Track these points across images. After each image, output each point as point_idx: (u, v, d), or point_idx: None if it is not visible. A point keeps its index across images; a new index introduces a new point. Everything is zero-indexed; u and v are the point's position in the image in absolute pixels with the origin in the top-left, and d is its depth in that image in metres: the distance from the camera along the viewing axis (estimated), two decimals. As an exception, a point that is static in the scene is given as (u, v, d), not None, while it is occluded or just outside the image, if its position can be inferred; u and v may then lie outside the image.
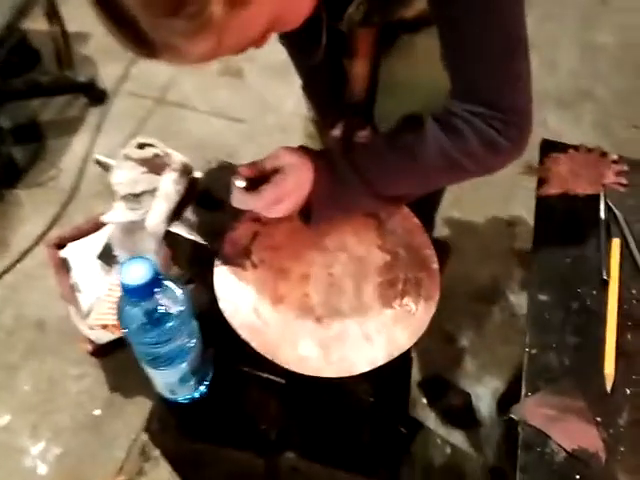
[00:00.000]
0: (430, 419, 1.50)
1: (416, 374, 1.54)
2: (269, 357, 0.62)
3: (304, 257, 0.68)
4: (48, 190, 1.89)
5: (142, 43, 0.47)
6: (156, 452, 1.39)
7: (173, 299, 0.60)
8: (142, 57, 0.50)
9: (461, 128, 0.61)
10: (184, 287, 0.63)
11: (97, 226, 1.55)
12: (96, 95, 2.13)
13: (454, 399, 1.54)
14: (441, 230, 1.81)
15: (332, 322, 0.64)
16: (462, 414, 1.52)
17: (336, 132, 0.88)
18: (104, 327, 1.31)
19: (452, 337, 1.64)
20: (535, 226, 0.79)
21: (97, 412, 1.45)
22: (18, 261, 1.70)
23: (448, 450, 1.46)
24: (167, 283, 0.59)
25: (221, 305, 0.64)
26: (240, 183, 0.62)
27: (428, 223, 1.09)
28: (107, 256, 1.48)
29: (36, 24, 2.07)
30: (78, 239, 1.53)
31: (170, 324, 0.60)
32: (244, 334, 0.63)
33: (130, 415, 1.45)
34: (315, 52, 0.76)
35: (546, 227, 0.79)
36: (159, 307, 0.58)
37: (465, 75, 0.60)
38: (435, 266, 0.68)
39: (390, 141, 0.65)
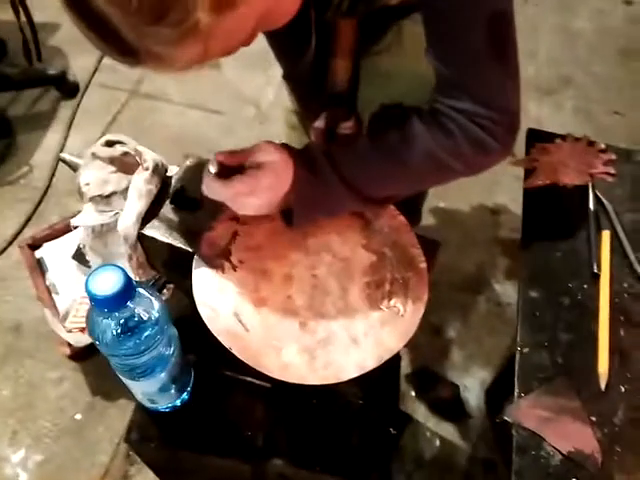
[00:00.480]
0: (419, 412, 1.49)
1: (404, 367, 1.53)
2: (251, 364, 0.59)
3: (286, 258, 0.65)
4: (20, 188, 1.82)
5: (126, 52, 0.44)
6: (140, 456, 1.36)
7: (148, 307, 0.56)
8: (126, 65, 0.47)
9: (447, 126, 0.59)
10: (159, 293, 0.59)
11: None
12: (67, 88, 2.06)
13: (442, 391, 1.54)
14: (425, 220, 1.79)
15: (317, 326, 0.61)
16: (451, 406, 1.51)
17: (319, 124, 0.85)
18: (82, 330, 1.26)
19: (438, 329, 1.63)
20: (523, 219, 0.77)
21: (78, 416, 1.41)
22: (-10, 263, 1.64)
23: (438, 442, 1.45)
24: (141, 290, 0.55)
25: (200, 310, 0.61)
26: (212, 169, 0.59)
27: (415, 215, 1.06)
28: (82, 256, 1.43)
29: (1, 14, 1.99)
30: (53, 239, 1.48)
31: (146, 333, 0.56)
32: (224, 340, 0.60)
33: (112, 418, 1.41)
34: (305, 51, 0.74)
35: (534, 220, 0.77)
36: (133, 316, 0.55)
37: (451, 70, 0.58)
38: (423, 265, 0.65)
39: (374, 143, 0.62)
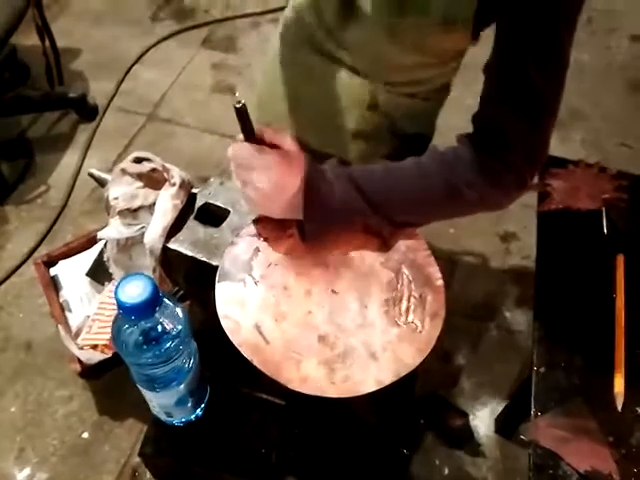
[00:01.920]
0: (428, 439, 1.47)
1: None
2: (271, 376, 0.60)
3: (307, 274, 0.66)
4: (37, 207, 1.86)
5: None
6: (147, 476, 1.34)
7: (172, 318, 0.58)
8: None
9: (470, 161, 0.61)
10: (183, 305, 0.60)
11: (87, 244, 1.52)
12: (86, 111, 2.11)
13: (452, 418, 1.52)
14: (436, 246, 1.81)
15: (336, 340, 0.62)
16: (460, 434, 1.49)
17: None
18: (94, 347, 1.27)
19: (449, 355, 1.63)
20: (537, 242, 0.78)
21: (85, 435, 1.41)
22: (5, 279, 1.66)
23: (446, 471, 1.43)
24: (167, 301, 0.57)
25: (222, 322, 0.62)
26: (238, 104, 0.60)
27: None
28: (97, 273, 1.45)
29: (26, 39, 2.06)
30: (68, 257, 1.50)
31: (169, 344, 0.58)
32: (245, 352, 0.61)
33: (119, 438, 1.40)
34: None
35: (549, 243, 0.79)
36: (158, 327, 0.56)
37: (503, 107, 0.59)
38: (440, 282, 0.66)
39: (389, 165, 0.65)
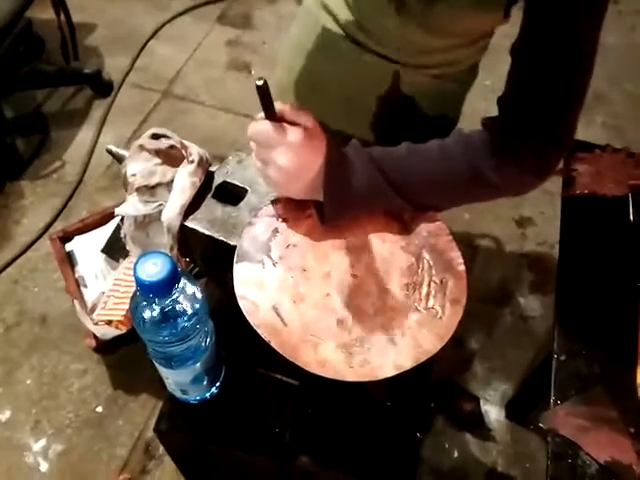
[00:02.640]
0: (438, 422, 1.48)
1: (424, 376, 1.52)
2: (288, 358, 0.59)
3: (326, 256, 0.66)
4: (52, 182, 1.86)
5: None
6: (160, 451, 1.37)
7: (190, 297, 0.57)
8: None
9: (495, 145, 0.59)
10: (200, 284, 0.60)
11: (102, 220, 1.52)
12: (101, 87, 2.10)
13: (463, 402, 1.52)
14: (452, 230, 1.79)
15: (355, 324, 0.62)
16: (471, 418, 1.49)
17: None
18: (109, 323, 1.28)
19: (461, 340, 1.62)
20: (561, 228, 0.76)
21: (99, 409, 1.43)
22: (21, 254, 1.68)
23: (456, 454, 1.43)
24: (185, 280, 0.56)
25: (240, 303, 0.61)
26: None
27: None
28: (112, 250, 1.46)
29: (41, 13, 2.04)
30: (83, 233, 1.51)
31: (186, 323, 0.57)
32: (263, 333, 0.60)
33: (133, 412, 1.42)
34: None
35: (573, 229, 0.77)
36: (176, 305, 0.55)
37: (533, 81, 0.58)
38: (462, 268, 0.65)
39: (411, 146, 0.63)
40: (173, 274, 0.51)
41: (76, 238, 1.50)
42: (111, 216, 1.50)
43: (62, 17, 1.89)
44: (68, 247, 1.50)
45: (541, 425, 0.58)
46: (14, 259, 1.66)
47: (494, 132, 0.61)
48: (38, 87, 2.08)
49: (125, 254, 1.41)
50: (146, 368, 1.06)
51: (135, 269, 0.52)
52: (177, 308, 0.56)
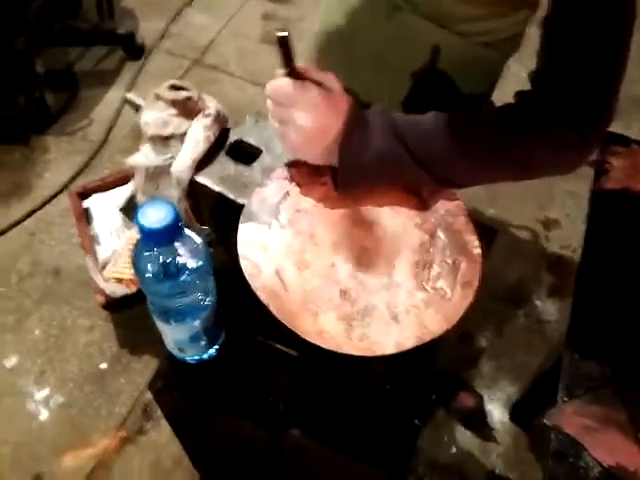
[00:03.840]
0: (438, 415, 1.45)
1: (429, 368, 1.50)
2: (286, 324, 0.58)
3: (336, 225, 0.63)
4: (77, 140, 1.87)
5: None
6: (158, 413, 1.37)
7: (192, 250, 0.55)
8: None
9: (528, 120, 0.56)
10: (205, 240, 0.58)
11: (122, 180, 1.52)
12: (134, 49, 2.10)
13: (465, 398, 1.49)
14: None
15: (358, 297, 0.59)
16: (472, 415, 1.47)
17: None
18: (119, 281, 1.28)
19: (470, 336, 1.59)
20: (588, 222, 0.72)
21: (103, 366, 1.44)
22: (40, 207, 1.69)
23: (454, 449, 1.41)
24: (188, 232, 0.55)
25: (242, 264, 0.60)
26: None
27: None
28: (129, 210, 1.46)
29: (80, -30, 2.04)
30: (102, 191, 1.51)
31: (186, 277, 0.56)
32: (263, 297, 0.58)
33: (135, 372, 1.43)
34: None
35: (600, 224, 0.73)
36: (177, 256, 0.54)
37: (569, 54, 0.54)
38: (477, 251, 0.62)
39: (438, 115, 0.60)
40: (175, 223, 0.50)
41: (94, 195, 1.51)
42: (130, 177, 1.50)
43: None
44: (86, 204, 1.50)
45: (545, 421, 0.55)
46: (33, 211, 1.68)
47: (527, 107, 0.57)
48: (71, 44, 2.09)
49: (141, 215, 1.41)
50: (152, 330, 1.06)
51: (136, 216, 0.50)
52: (178, 260, 0.55)
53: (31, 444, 1.34)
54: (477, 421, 1.46)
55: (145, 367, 1.44)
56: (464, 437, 1.44)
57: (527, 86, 0.60)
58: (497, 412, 1.47)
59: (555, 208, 1.87)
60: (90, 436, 1.36)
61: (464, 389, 1.51)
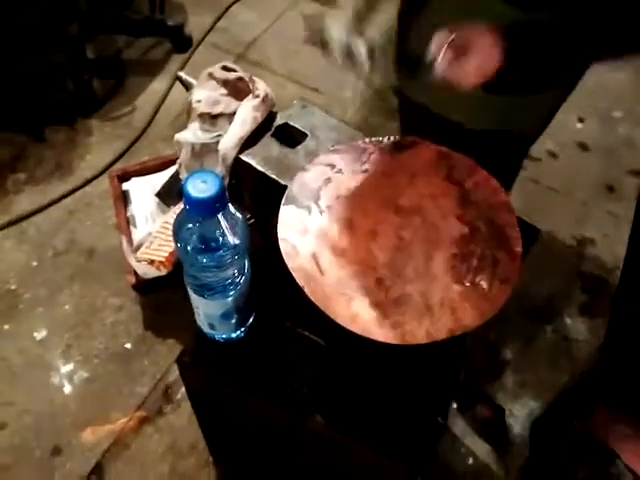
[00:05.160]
0: (458, 425, 1.43)
1: (450, 377, 1.48)
2: (320, 307, 0.58)
3: (374, 213, 0.63)
4: (120, 125, 1.91)
5: None
6: (179, 396, 1.39)
7: (232, 226, 0.56)
8: None
9: None
10: (245, 218, 0.59)
11: (161, 166, 1.55)
12: (181, 42, 2.14)
13: (485, 410, 1.47)
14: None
15: (393, 285, 0.59)
16: (492, 427, 1.44)
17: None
18: (151, 262, 1.31)
19: (496, 348, 1.56)
20: (631, 232, 0.71)
21: (128, 346, 1.46)
22: (80, 187, 1.73)
23: (471, 461, 1.39)
24: (230, 207, 0.55)
25: (280, 244, 0.60)
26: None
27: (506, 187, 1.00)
28: (166, 195, 1.48)
29: (135, -36, 2.10)
30: (141, 175, 1.55)
31: (226, 251, 0.57)
32: (298, 278, 0.59)
33: (159, 355, 1.45)
34: None
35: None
36: (218, 230, 0.55)
37: None
38: (518, 249, 0.61)
39: None
40: (220, 195, 0.51)
41: (133, 179, 1.54)
42: (170, 163, 1.53)
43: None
44: (125, 186, 1.54)
45: (576, 423, 0.54)
46: (73, 190, 1.72)
47: None
48: (122, 33, 2.14)
49: (177, 201, 1.43)
50: (178, 314, 1.07)
51: (185, 184, 0.51)
52: (219, 234, 0.55)
53: (53, 416, 1.37)
54: (497, 434, 1.43)
55: (168, 351, 1.46)
56: (483, 450, 1.41)
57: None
58: (517, 427, 1.44)
59: (593, 227, 1.83)
60: (110, 413, 1.38)
61: (486, 401, 1.48)
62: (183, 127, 0.71)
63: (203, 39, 2.22)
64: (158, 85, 2.04)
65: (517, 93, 0.71)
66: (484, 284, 0.59)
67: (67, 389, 1.40)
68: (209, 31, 2.24)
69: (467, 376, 1.48)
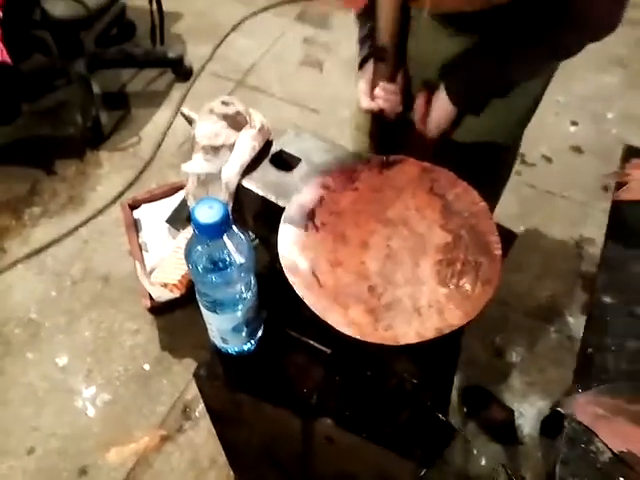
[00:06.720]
0: (468, 428, 1.47)
1: (460, 382, 1.52)
2: (319, 315, 0.64)
3: (365, 226, 0.69)
4: (127, 155, 2.00)
5: None
6: (197, 413, 1.44)
7: (238, 246, 0.62)
8: None
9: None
10: (250, 239, 0.65)
11: (169, 192, 1.63)
12: (182, 72, 2.24)
13: (496, 412, 1.50)
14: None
15: (385, 291, 0.65)
16: (502, 429, 1.47)
17: (365, 75, 0.88)
18: (164, 285, 1.37)
19: (501, 351, 1.60)
20: (607, 229, 0.76)
21: (146, 367, 1.53)
22: (93, 217, 1.81)
23: (483, 462, 1.42)
24: (235, 229, 0.62)
25: (281, 260, 0.66)
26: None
27: (493, 197, 1.08)
28: (175, 220, 1.56)
29: (135, 0, 2.21)
30: (151, 202, 1.62)
31: (231, 269, 0.63)
32: (299, 291, 0.65)
33: (176, 375, 1.51)
34: None
35: (619, 232, 0.77)
36: (225, 250, 0.61)
37: None
38: (498, 252, 0.67)
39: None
40: (225, 218, 0.57)
41: (143, 206, 1.62)
42: (177, 189, 1.61)
43: (154, 5, 2.04)
44: (135, 214, 1.61)
45: (559, 409, 0.59)
46: (87, 221, 1.80)
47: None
48: (125, 67, 2.24)
49: (185, 225, 1.50)
50: (193, 335, 1.11)
51: (193, 212, 0.58)
52: (226, 254, 0.62)
53: (78, 438, 1.43)
54: (507, 435, 1.46)
55: (185, 370, 1.52)
56: (494, 450, 1.45)
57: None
58: (527, 427, 1.48)
59: (590, 227, 1.87)
60: (133, 433, 1.44)
61: (495, 403, 1.52)
62: (187, 154, 0.77)
63: (203, 68, 2.31)
64: (162, 114, 2.13)
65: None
66: (467, 286, 0.64)
67: (90, 412, 1.46)
68: (208, 60, 2.34)
69: (476, 381, 1.52)
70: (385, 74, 0.83)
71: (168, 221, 1.56)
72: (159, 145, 2.02)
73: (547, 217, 1.88)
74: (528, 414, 1.50)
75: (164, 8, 2.10)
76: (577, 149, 2.07)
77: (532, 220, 1.87)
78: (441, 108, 0.82)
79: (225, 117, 0.72)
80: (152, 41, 2.18)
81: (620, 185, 0.82)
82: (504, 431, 1.47)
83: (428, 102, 0.84)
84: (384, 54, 0.81)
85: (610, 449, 0.57)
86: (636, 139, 2.05)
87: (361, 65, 0.91)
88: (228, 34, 2.45)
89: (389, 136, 0.92)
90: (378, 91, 0.85)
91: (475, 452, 1.44)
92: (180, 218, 1.54)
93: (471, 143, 0.89)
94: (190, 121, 0.75)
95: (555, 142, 2.08)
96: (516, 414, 1.49)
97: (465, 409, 1.49)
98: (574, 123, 2.14)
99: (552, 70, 0.88)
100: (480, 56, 0.78)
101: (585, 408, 0.60)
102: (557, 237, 1.85)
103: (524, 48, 0.76)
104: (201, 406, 1.44)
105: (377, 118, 0.90)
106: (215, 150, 0.71)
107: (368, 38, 0.89)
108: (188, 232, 1.47)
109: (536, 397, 1.53)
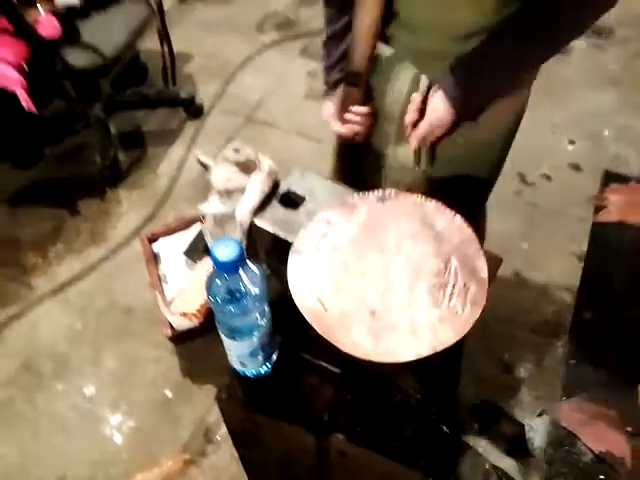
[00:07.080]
0: (480, 444, 1.51)
1: (469, 399, 1.56)
2: (327, 339, 0.71)
3: (365, 257, 0.77)
4: (145, 192, 2.11)
5: None
6: (218, 437, 1.51)
7: (252, 279, 0.71)
8: None
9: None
10: (263, 271, 0.73)
11: (185, 225, 1.73)
12: (194, 110, 2.36)
13: (506, 427, 1.54)
14: (509, 260, 1.83)
15: (385, 314, 0.73)
16: (513, 443, 1.51)
17: (334, 100, 0.91)
18: (184, 315, 1.45)
19: (509, 366, 1.64)
20: (588, 249, 0.83)
21: (169, 394, 1.60)
22: (114, 252, 1.92)
23: (495, 477, 1.46)
24: (249, 263, 0.70)
25: (291, 290, 0.74)
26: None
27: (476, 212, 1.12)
28: (192, 253, 1.65)
29: (148, 43, 2.34)
30: (168, 235, 1.72)
31: (247, 300, 0.71)
32: (308, 317, 0.72)
33: (197, 400, 1.58)
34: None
35: (599, 252, 0.83)
36: (240, 283, 0.69)
37: None
38: (484, 275, 0.74)
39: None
40: (240, 255, 0.65)
41: (161, 239, 1.71)
42: (193, 222, 1.70)
43: (165, 48, 2.17)
44: (154, 247, 1.71)
45: (545, 415, 0.65)
46: (108, 256, 1.90)
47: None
48: (140, 107, 2.37)
49: (202, 256, 1.59)
50: (212, 361, 1.19)
51: (212, 250, 0.66)
52: (242, 286, 0.70)
53: (106, 465, 1.50)
54: (518, 449, 1.50)
55: (206, 395, 1.59)
56: (506, 464, 1.48)
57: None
58: (538, 440, 1.51)
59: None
60: (158, 458, 1.50)
61: (505, 418, 1.56)
62: (201, 188, 0.86)
63: (213, 105, 2.44)
64: (176, 151, 2.24)
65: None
66: (458, 308, 0.71)
67: (117, 438, 1.53)
68: (218, 98, 2.46)
69: (486, 396, 1.56)
70: (357, 98, 0.85)
71: (186, 253, 1.65)
72: (174, 181, 2.13)
73: (549, 234, 1.94)
74: (539, 428, 1.53)
75: (174, 50, 2.23)
76: (575, 167, 2.13)
77: (535, 237, 1.92)
78: (436, 110, 0.81)
79: (237, 163, 0.81)
80: (164, 82, 2.31)
81: (599, 208, 0.89)
82: (515, 445, 1.50)
83: (423, 105, 0.83)
84: (358, 79, 0.83)
85: (592, 450, 0.62)
86: (632, 155, 2.12)
87: (327, 91, 0.94)
88: (236, 72, 2.58)
89: (354, 158, 0.96)
90: (350, 115, 0.88)
91: (487, 467, 1.48)
92: (197, 250, 1.63)
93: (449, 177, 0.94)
94: (206, 167, 0.84)
95: (554, 161, 2.14)
96: (526, 428, 1.52)
97: (476, 425, 1.54)
98: (571, 142, 2.20)
99: (523, 103, 0.93)
100: (480, 50, 0.77)
101: (569, 414, 0.66)
102: (558, 253, 1.90)
103: (524, 33, 0.75)
104: (222, 430, 1.50)
105: (345, 141, 0.93)
106: (229, 193, 0.80)
107: (338, 64, 0.91)
108: (205, 263, 1.55)
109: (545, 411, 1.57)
